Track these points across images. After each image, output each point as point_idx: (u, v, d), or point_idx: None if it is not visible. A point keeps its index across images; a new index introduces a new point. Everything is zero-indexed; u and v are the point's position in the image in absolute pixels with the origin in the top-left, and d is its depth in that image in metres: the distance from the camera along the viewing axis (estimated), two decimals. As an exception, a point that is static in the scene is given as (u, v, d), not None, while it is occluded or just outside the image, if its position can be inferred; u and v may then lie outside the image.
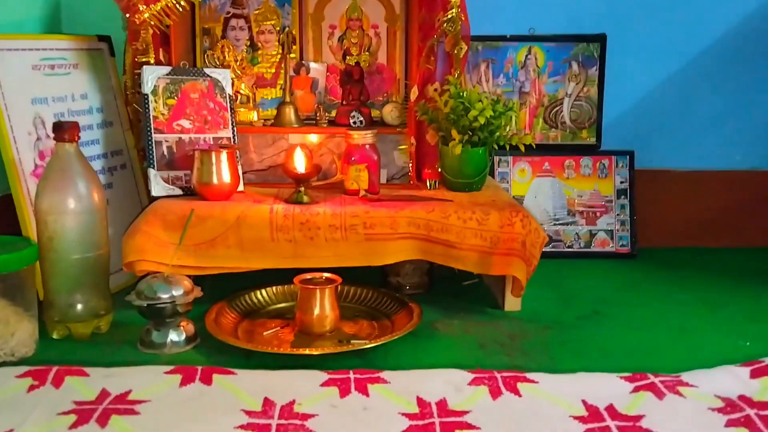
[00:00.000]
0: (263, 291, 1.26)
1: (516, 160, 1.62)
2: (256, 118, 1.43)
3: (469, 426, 0.86)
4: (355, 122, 1.41)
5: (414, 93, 1.35)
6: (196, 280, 1.16)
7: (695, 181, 1.65)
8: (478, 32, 1.45)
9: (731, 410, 0.89)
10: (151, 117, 1.28)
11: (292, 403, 0.91)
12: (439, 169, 1.36)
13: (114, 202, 1.33)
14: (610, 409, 0.89)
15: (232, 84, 1.37)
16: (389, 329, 1.15)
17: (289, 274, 1.17)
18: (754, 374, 0.97)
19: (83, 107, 1.33)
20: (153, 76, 1.29)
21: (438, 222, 1.21)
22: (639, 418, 0.87)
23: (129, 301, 1.08)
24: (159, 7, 1.29)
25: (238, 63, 1.44)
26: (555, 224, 1.61)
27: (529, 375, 0.97)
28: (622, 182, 1.63)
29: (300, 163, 1.28)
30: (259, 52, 1.49)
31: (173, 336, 1.09)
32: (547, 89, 1.62)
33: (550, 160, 1.63)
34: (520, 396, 0.92)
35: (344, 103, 1.45)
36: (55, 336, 1.12)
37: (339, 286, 1.16)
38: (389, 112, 1.42)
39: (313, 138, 1.41)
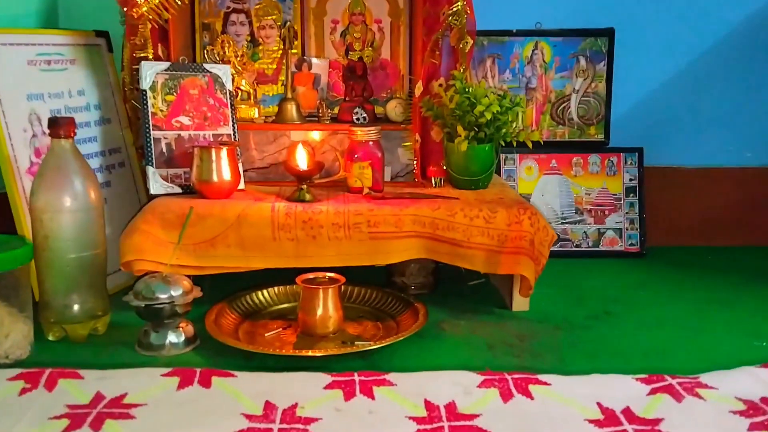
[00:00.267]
0: (265, 291, 1.24)
1: (522, 157, 1.59)
2: (257, 115, 1.40)
3: (480, 430, 0.83)
4: (358, 119, 1.39)
5: (418, 88, 1.33)
6: (196, 280, 1.14)
7: (706, 178, 1.63)
8: (483, 27, 1.42)
9: (753, 413, 0.86)
10: (150, 113, 1.26)
11: (295, 406, 0.88)
12: (445, 167, 1.34)
13: (112, 201, 1.31)
14: (627, 412, 0.86)
15: (233, 80, 1.34)
16: (394, 330, 1.13)
17: (291, 274, 1.15)
18: (775, 375, 0.94)
19: (80, 104, 1.30)
20: (151, 72, 1.27)
21: (444, 220, 1.18)
22: (657, 421, 0.84)
23: (126, 301, 1.05)
24: (157, 1, 1.26)
25: (238, 59, 1.41)
26: (562, 223, 1.58)
27: (541, 377, 0.94)
28: (631, 180, 1.60)
29: (302, 161, 1.26)
30: (260, 47, 1.46)
31: (172, 338, 1.06)
32: (554, 85, 1.59)
33: (558, 157, 1.59)
34: (532, 398, 0.89)
35: (347, 99, 1.43)
36: (50, 338, 1.09)
37: (342, 286, 1.14)
38: (393, 109, 1.40)
39: (316, 135, 1.38)
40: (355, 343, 1.06)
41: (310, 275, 1.13)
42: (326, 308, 1.10)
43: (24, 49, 1.22)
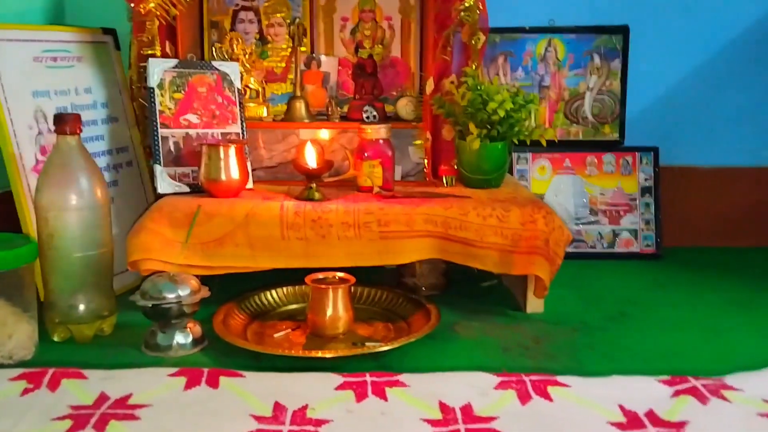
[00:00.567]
0: (273, 291, 1.21)
1: (535, 156, 1.56)
2: (265, 114, 1.38)
3: (497, 433, 0.80)
4: (368, 117, 1.37)
5: (429, 86, 1.30)
6: (204, 280, 1.11)
7: (722, 178, 1.60)
8: (495, 24, 1.40)
9: (781, 416, 0.82)
10: (157, 111, 1.24)
11: (305, 408, 0.85)
12: (456, 166, 1.31)
13: (119, 200, 1.29)
14: (650, 414, 0.83)
15: (241, 78, 1.32)
16: (406, 331, 1.10)
17: (300, 274, 1.12)
18: (801, 378, 0.91)
19: (87, 101, 1.28)
20: (159, 69, 1.25)
21: (456, 219, 1.16)
22: (683, 424, 0.81)
23: (133, 301, 1.03)
24: (165, -4, 1.25)
25: (247, 57, 1.39)
26: (577, 224, 1.55)
27: (560, 378, 0.91)
28: (646, 179, 1.56)
29: (311, 159, 1.24)
30: (269, 45, 1.45)
31: (179, 338, 1.04)
32: (568, 83, 1.57)
33: (571, 156, 1.57)
34: (551, 401, 0.86)
35: (357, 97, 1.40)
36: (55, 338, 1.07)
37: (352, 287, 1.11)
38: (404, 107, 1.37)
39: (325, 133, 1.36)
40: (366, 344, 1.03)
41: (320, 275, 1.10)
42: (336, 309, 1.07)
43: (30, 46, 1.20)
